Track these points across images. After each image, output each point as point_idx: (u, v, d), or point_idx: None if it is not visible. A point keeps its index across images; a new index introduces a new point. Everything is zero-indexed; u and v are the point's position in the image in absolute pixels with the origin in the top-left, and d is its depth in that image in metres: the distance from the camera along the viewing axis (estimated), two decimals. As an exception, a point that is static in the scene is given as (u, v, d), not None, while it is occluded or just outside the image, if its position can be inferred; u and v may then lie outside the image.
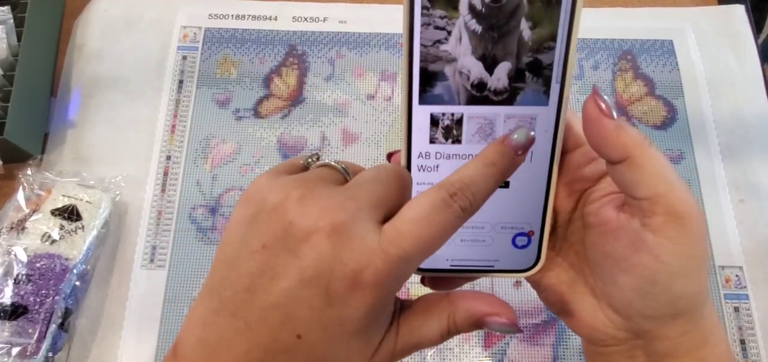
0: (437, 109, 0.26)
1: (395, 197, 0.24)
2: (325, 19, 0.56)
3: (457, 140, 0.26)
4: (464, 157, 0.27)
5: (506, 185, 0.27)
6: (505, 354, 0.43)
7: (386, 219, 0.23)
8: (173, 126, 0.51)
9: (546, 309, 0.45)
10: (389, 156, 0.30)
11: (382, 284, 0.22)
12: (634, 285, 0.24)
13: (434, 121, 0.26)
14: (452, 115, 0.26)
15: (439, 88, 0.25)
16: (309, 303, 0.21)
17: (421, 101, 0.25)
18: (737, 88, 0.53)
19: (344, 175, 0.25)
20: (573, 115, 0.27)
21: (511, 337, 0.44)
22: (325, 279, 0.21)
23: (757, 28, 0.66)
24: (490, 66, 0.24)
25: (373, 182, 0.24)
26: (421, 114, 0.26)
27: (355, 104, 0.52)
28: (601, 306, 0.27)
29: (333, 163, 0.26)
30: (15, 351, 0.40)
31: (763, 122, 0.52)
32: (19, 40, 0.50)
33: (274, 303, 0.21)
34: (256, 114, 0.52)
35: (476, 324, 0.25)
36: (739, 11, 0.56)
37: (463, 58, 0.24)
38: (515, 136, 0.25)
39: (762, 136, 0.51)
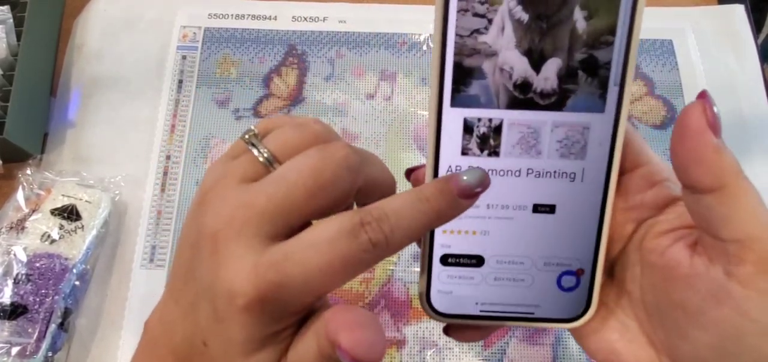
0: (472, 113, 0.22)
1: (308, 203, 0.20)
2: (324, 19, 0.56)
3: (494, 152, 0.22)
4: (503, 173, 0.22)
5: (551, 211, 0.23)
6: (505, 353, 0.43)
7: (292, 228, 0.20)
8: (173, 126, 0.51)
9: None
10: (408, 173, 0.26)
11: (255, 311, 0.19)
12: (712, 342, 0.20)
13: (468, 128, 0.22)
14: (490, 120, 0.22)
15: (475, 88, 0.21)
16: (206, 315, 0.20)
17: (454, 103, 0.21)
18: (737, 88, 0.53)
19: (266, 165, 0.22)
20: (630, 127, 0.23)
21: (511, 336, 0.44)
22: (211, 295, 0.20)
23: (757, 28, 0.66)
24: (536, 62, 0.21)
25: (283, 184, 0.20)
26: (453, 118, 0.22)
27: (354, 104, 0.52)
28: (660, 358, 0.23)
29: (258, 150, 0.22)
30: (14, 350, 0.40)
31: (763, 122, 0.51)
32: (18, 39, 0.49)
33: (192, 303, 0.21)
34: (256, 113, 0.52)
35: (333, 348, 0.19)
36: (739, 11, 0.56)
37: (506, 51, 0.21)
38: (465, 177, 0.20)
39: (762, 136, 0.51)
